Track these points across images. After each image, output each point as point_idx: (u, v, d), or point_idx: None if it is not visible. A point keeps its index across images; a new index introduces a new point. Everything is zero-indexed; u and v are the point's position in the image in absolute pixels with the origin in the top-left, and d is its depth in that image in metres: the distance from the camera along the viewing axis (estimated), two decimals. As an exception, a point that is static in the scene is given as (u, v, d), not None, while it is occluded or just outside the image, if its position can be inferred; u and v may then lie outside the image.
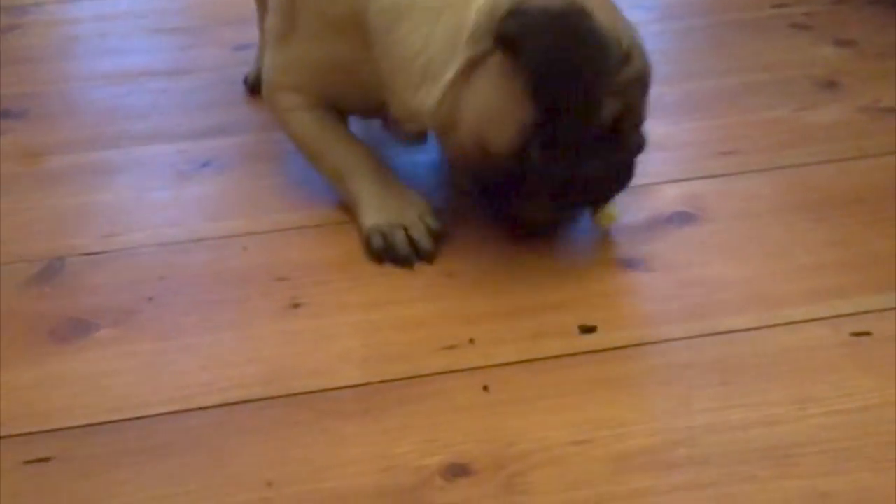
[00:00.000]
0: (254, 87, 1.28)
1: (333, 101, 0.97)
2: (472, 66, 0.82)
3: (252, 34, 1.36)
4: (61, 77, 1.42)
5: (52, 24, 1.69)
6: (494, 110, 0.82)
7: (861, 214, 0.94)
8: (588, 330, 0.78)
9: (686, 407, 0.70)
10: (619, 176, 0.89)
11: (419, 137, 1.00)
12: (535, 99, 0.79)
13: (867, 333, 0.76)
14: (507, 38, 0.80)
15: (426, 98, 0.85)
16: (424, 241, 0.89)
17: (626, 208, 0.95)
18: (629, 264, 0.87)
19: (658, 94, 1.21)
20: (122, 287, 0.86)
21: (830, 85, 1.24)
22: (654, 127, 1.13)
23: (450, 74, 0.83)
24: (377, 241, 0.89)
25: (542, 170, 0.82)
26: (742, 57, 1.37)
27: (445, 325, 0.80)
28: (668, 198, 0.99)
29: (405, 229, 0.90)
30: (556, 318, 0.80)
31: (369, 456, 0.66)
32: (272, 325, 0.80)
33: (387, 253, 0.89)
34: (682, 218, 0.95)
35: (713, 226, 0.93)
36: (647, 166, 1.06)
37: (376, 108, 0.94)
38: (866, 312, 0.79)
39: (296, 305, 0.83)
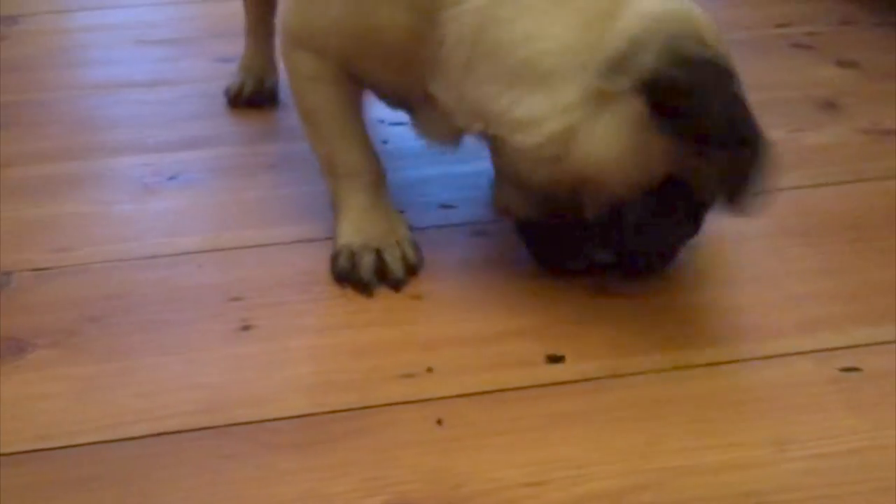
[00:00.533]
0: (235, 100, 1.24)
1: (363, 75, 0.86)
2: (601, 100, 0.72)
3: (240, 47, 1.32)
4: (39, 87, 1.39)
5: (40, 34, 1.66)
6: (614, 160, 0.73)
7: (857, 242, 0.89)
8: (556, 359, 0.73)
9: (655, 446, 0.64)
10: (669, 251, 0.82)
11: (453, 141, 0.88)
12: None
13: (857, 369, 0.71)
14: (671, 90, 0.70)
15: (530, 108, 0.73)
16: (396, 268, 0.84)
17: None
18: (606, 289, 0.82)
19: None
20: (66, 305, 0.81)
21: (830, 106, 1.19)
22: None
23: (570, 96, 0.72)
24: (342, 262, 0.84)
25: (620, 232, 0.76)
26: (741, 76, 1.32)
27: (404, 351, 0.75)
28: (653, 220, 0.93)
29: (379, 252, 0.84)
30: (523, 347, 0.75)
31: (304, 495, 0.61)
32: (219, 349, 0.75)
33: (349, 275, 0.83)
34: (666, 241, 0.89)
35: (699, 250, 0.88)
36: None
37: (410, 95, 0.84)
38: (857, 346, 0.73)
39: (246, 328, 0.78)
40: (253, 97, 1.22)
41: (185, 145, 1.14)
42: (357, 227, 0.86)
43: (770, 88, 1.26)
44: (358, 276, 0.83)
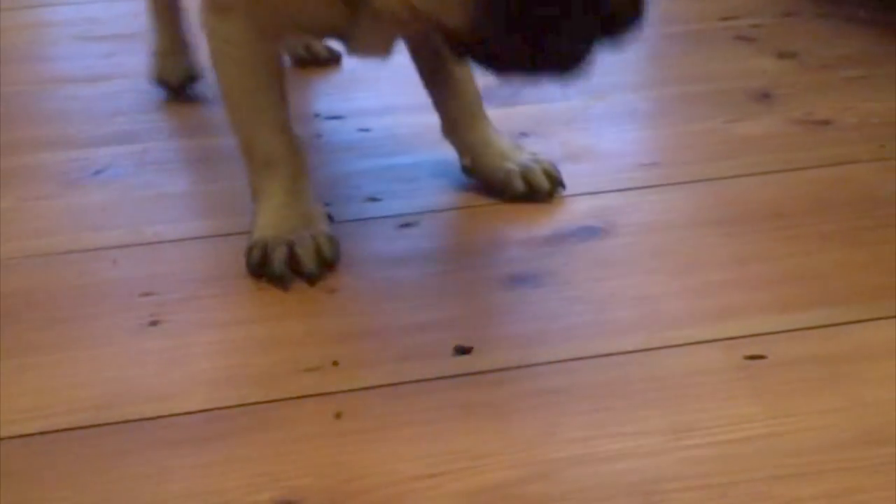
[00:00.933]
0: (178, 90, 1.22)
1: (286, 19, 0.83)
2: None
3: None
4: (-25, 84, 1.37)
5: (-18, 32, 1.64)
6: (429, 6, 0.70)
7: (777, 230, 0.88)
8: (463, 351, 0.72)
9: (552, 436, 0.63)
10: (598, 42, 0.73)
11: (388, 49, 0.85)
12: None
13: (761, 357, 0.70)
14: None
15: None
16: (308, 261, 0.82)
17: (529, 222, 0.90)
18: (523, 281, 0.81)
19: (583, 106, 1.17)
20: (-29, 302, 0.80)
21: (765, 97, 1.19)
22: (575, 139, 1.09)
23: None
24: (255, 256, 0.83)
25: (503, 42, 0.70)
26: (680, 68, 1.32)
27: (312, 345, 0.74)
28: (576, 212, 0.93)
29: (291, 245, 0.83)
30: (433, 338, 0.74)
31: (195, 491, 0.60)
32: (123, 345, 0.74)
33: (262, 269, 0.82)
34: (587, 232, 0.89)
35: (619, 240, 0.87)
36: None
37: (337, 21, 0.80)
38: (765, 334, 0.73)
39: (154, 323, 0.77)
40: (183, 80, 1.21)
41: (115, 140, 1.12)
42: (272, 221, 0.85)
43: (708, 80, 1.26)
44: (271, 269, 0.82)
